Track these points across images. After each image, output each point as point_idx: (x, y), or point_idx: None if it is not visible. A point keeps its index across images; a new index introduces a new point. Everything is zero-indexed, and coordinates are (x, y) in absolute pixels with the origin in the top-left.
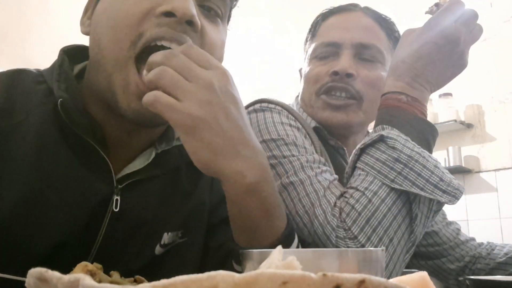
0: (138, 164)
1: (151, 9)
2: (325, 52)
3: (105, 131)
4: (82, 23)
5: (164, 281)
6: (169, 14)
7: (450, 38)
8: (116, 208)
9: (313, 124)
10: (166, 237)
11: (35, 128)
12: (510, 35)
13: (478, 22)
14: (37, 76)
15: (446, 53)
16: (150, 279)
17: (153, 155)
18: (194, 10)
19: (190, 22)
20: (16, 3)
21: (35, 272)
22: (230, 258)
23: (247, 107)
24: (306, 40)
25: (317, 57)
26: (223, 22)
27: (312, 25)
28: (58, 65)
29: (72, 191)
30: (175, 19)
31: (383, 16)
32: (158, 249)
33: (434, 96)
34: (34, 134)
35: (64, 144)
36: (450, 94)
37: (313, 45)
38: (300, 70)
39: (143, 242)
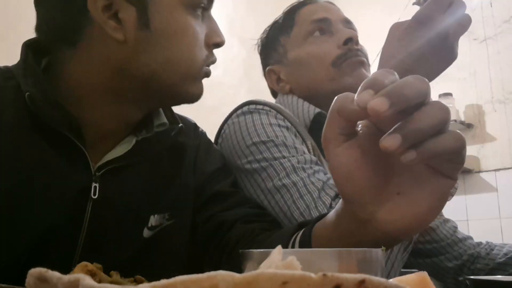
0: (118, 151)
1: (206, 40)
2: (318, 28)
3: (81, 122)
4: (105, 23)
5: (163, 281)
6: (217, 45)
7: (439, 31)
8: (94, 195)
9: (316, 110)
10: (152, 219)
11: (10, 125)
12: (510, 35)
13: (466, 12)
14: (5, 73)
15: (436, 46)
16: (142, 264)
17: (133, 142)
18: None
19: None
20: (16, 3)
21: (35, 272)
22: (221, 229)
23: (235, 110)
24: (281, 30)
25: (311, 34)
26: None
27: (284, 18)
28: (23, 60)
29: (52, 183)
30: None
31: None
32: (146, 232)
33: (434, 96)
34: (9, 131)
35: (39, 138)
36: (450, 94)
37: (297, 29)
38: (270, 68)
39: (131, 227)
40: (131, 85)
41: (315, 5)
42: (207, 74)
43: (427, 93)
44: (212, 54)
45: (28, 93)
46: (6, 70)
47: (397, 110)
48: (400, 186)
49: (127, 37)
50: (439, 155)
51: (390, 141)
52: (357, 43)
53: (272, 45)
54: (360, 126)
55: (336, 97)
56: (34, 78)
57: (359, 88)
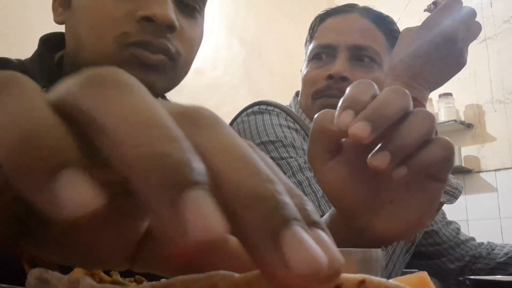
0: None
1: (131, 12)
2: (321, 54)
3: None
4: (54, 9)
5: (164, 281)
6: (149, 19)
7: (448, 36)
8: None
9: (310, 124)
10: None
11: None
12: (510, 35)
13: (476, 20)
14: (20, 66)
15: (444, 52)
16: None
17: None
18: (173, 15)
19: (169, 26)
20: (16, 3)
21: (35, 272)
22: None
23: (245, 109)
24: (306, 42)
25: (313, 59)
26: (201, 13)
27: (310, 27)
28: (38, 55)
29: None
30: (155, 24)
31: (382, 16)
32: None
33: (434, 96)
34: None
35: None
36: (450, 94)
37: (310, 47)
38: (301, 71)
39: None
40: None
41: (333, 22)
42: (138, 58)
43: (408, 105)
44: (139, 31)
45: (45, 88)
46: (19, 63)
47: (380, 132)
48: (392, 194)
49: (62, 20)
50: (430, 166)
51: (379, 159)
52: (344, 79)
53: (305, 50)
54: (344, 140)
55: (315, 116)
56: (49, 74)
57: (338, 106)
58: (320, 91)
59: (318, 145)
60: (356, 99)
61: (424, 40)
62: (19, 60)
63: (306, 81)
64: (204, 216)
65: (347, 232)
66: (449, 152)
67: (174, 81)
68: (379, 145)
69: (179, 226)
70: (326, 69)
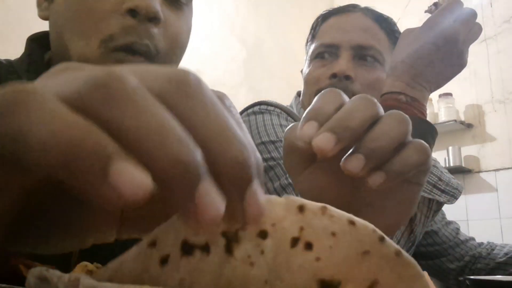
0: None
1: (117, 5)
2: (324, 53)
3: None
4: (38, 4)
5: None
6: (133, 12)
7: (449, 37)
8: None
9: None
10: None
11: None
12: (510, 35)
13: (477, 21)
14: (8, 67)
15: (445, 53)
16: None
17: None
18: (157, 6)
19: (154, 18)
20: (16, 3)
21: (35, 271)
22: None
23: (246, 109)
24: (307, 41)
25: (316, 58)
26: (188, 5)
27: (312, 27)
28: (27, 55)
29: None
30: (139, 17)
31: (384, 17)
32: None
33: (434, 96)
34: None
35: None
36: (450, 94)
37: (312, 46)
38: (301, 71)
39: None
40: None
41: (335, 21)
42: (121, 62)
43: (376, 112)
44: (123, 32)
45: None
46: (8, 64)
47: (345, 144)
48: (368, 198)
49: (46, 15)
50: (407, 172)
51: (353, 163)
52: (347, 77)
53: (306, 49)
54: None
55: (286, 130)
56: (38, 74)
57: (302, 118)
58: (324, 88)
59: (290, 158)
60: (319, 110)
61: (425, 41)
62: (7, 61)
63: (308, 80)
64: (212, 199)
65: None
66: (425, 155)
67: None
68: (352, 149)
69: (194, 208)
70: (329, 68)
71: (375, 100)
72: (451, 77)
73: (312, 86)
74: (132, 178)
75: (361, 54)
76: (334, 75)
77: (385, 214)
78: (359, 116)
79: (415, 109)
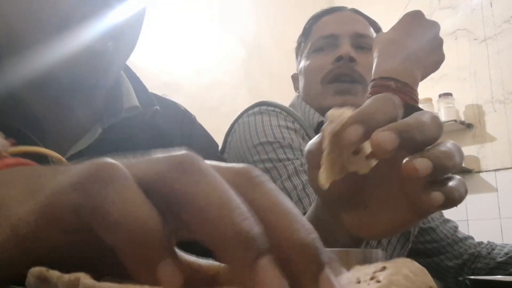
0: (84, 142)
1: None
2: (323, 44)
3: (37, 114)
4: None
5: None
6: None
7: (432, 22)
8: None
9: (320, 118)
10: None
11: None
12: (510, 35)
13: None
14: None
15: (431, 36)
16: None
17: (99, 131)
18: None
19: None
20: None
21: (35, 271)
22: None
23: (247, 110)
24: (299, 44)
25: (316, 50)
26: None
27: (304, 29)
28: None
29: None
30: None
31: (371, 18)
32: None
33: (434, 96)
34: None
35: None
36: (450, 94)
37: (309, 43)
38: (292, 76)
39: None
40: None
41: (329, 18)
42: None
43: (438, 137)
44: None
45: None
46: None
47: (400, 151)
48: (367, 201)
49: None
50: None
51: (422, 166)
52: (352, 59)
53: (297, 53)
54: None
55: (305, 149)
56: None
57: (349, 117)
58: (330, 72)
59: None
60: (372, 116)
61: (413, 48)
62: None
63: (310, 70)
64: (271, 278)
65: (327, 224)
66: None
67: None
68: (420, 152)
69: (250, 280)
70: (332, 56)
71: (442, 124)
72: (436, 66)
73: (315, 75)
74: (172, 280)
75: (359, 41)
76: (339, 58)
77: (380, 218)
78: (429, 134)
79: (406, 95)
